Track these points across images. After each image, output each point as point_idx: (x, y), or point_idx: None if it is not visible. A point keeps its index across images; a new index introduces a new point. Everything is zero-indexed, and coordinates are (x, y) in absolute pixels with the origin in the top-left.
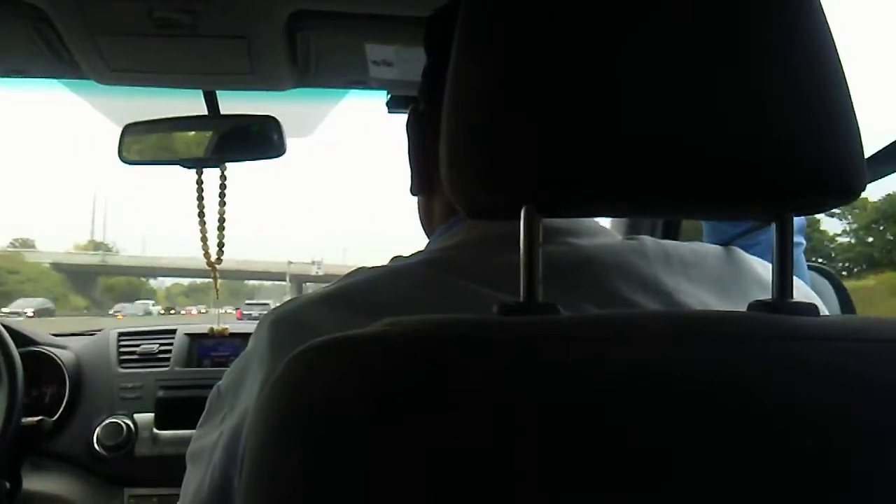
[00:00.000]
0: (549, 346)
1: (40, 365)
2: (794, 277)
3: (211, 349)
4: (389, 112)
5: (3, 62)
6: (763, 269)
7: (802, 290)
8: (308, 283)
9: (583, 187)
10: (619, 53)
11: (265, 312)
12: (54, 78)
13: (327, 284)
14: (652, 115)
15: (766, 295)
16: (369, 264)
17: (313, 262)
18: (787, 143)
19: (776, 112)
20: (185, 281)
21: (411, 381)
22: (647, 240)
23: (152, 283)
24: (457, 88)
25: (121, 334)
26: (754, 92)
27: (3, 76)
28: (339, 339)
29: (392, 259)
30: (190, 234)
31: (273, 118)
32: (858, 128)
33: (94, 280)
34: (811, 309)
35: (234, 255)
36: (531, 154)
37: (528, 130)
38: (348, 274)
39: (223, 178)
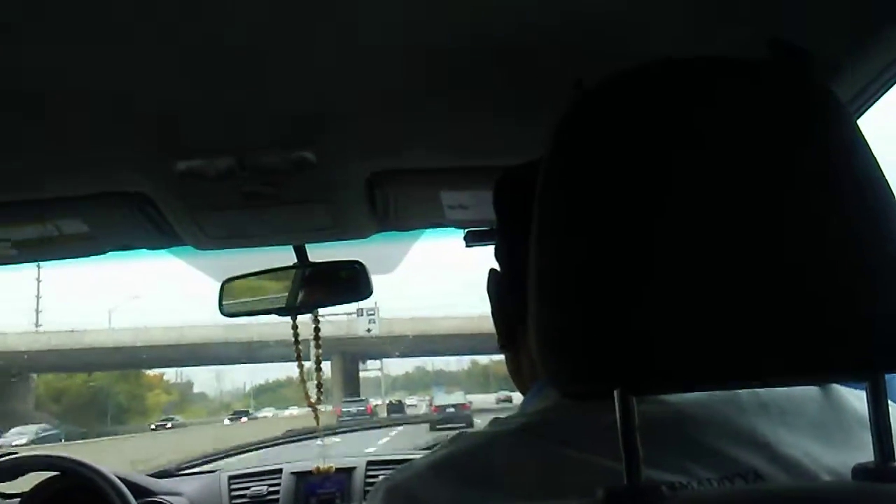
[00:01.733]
0: None
1: None
2: (893, 408)
3: (317, 486)
4: (467, 246)
5: (113, 240)
6: (862, 404)
7: None
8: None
9: (673, 370)
10: (705, 234)
11: (362, 409)
12: (158, 248)
13: (434, 449)
14: (737, 298)
15: (869, 432)
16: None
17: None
18: (870, 306)
19: (858, 278)
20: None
21: None
22: (741, 390)
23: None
24: (539, 271)
25: (231, 477)
26: (839, 260)
27: (109, 252)
28: None
29: (491, 422)
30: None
31: (359, 263)
32: None
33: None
34: None
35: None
36: (620, 341)
37: (616, 317)
38: (452, 439)
39: (316, 321)
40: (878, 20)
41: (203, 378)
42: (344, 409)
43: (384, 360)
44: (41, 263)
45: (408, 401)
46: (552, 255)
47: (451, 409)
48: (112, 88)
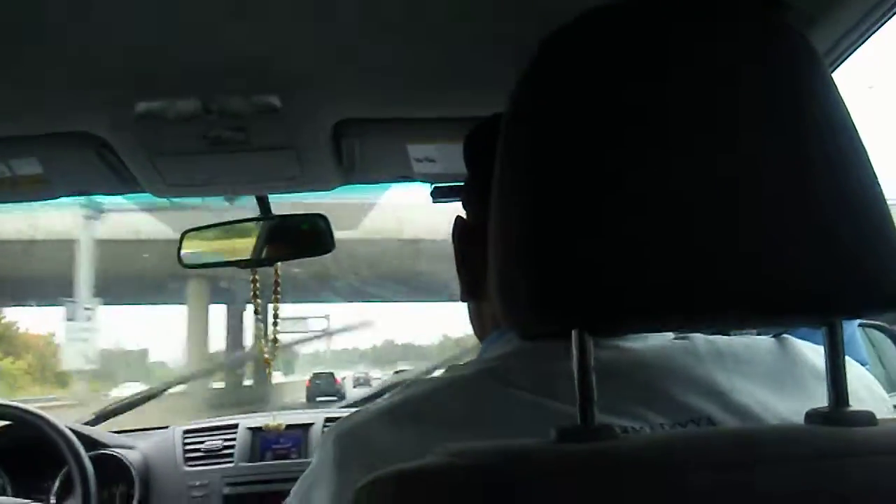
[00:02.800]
0: (607, 480)
1: (109, 467)
2: (851, 365)
3: (273, 441)
4: (434, 202)
5: (69, 185)
6: (817, 356)
7: (859, 380)
8: None
9: (632, 308)
10: (664, 172)
11: (331, 382)
12: (115, 194)
13: (388, 395)
14: (701, 232)
15: (824, 384)
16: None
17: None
18: (832, 251)
19: (813, 227)
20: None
21: None
22: (698, 338)
23: None
24: (501, 215)
25: (185, 431)
26: (797, 202)
27: (64, 195)
28: (406, 473)
29: (448, 369)
30: None
31: (321, 216)
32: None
33: None
34: (868, 418)
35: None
36: (578, 280)
37: (573, 256)
38: (407, 385)
39: (276, 276)
40: None
41: None
42: (313, 382)
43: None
44: None
45: (374, 374)
46: (512, 197)
47: None
48: (70, 24)
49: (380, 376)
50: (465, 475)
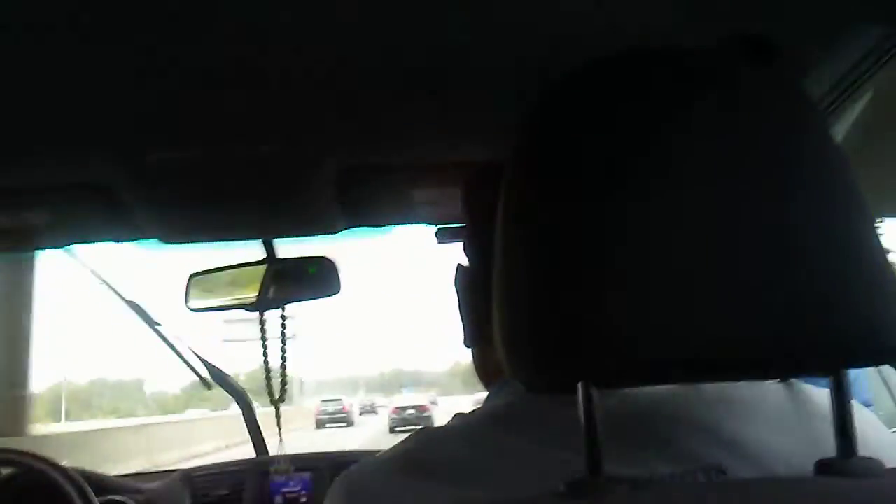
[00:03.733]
0: None
1: None
2: (856, 408)
3: (282, 485)
4: (439, 243)
5: (75, 233)
6: (824, 399)
7: (866, 423)
8: None
9: (638, 362)
10: (668, 224)
11: (339, 408)
12: (120, 241)
13: (397, 444)
14: (705, 285)
15: (830, 426)
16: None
17: None
18: (835, 303)
19: (819, 278)
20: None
21: None
22: (704, 384)
23: None
24: (504, 266)
25: (193, 477)
26: (800, 254)
27: (74, 243)
28: None
29: (454, 417)
30: None
31: (328, 259)
32: None
33: None
34: (875, 468)
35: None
36: (583, 335)
37: (578, 311)
38: (413, 434)
39: (283, 318)
40: (850, 17)
41: None
42: (321, 409)
43: None
44: None
45: (380, 401)
46: (515, 247)
47: (412, 411)
48: (79, 84)
49: (385, 403)
50: None
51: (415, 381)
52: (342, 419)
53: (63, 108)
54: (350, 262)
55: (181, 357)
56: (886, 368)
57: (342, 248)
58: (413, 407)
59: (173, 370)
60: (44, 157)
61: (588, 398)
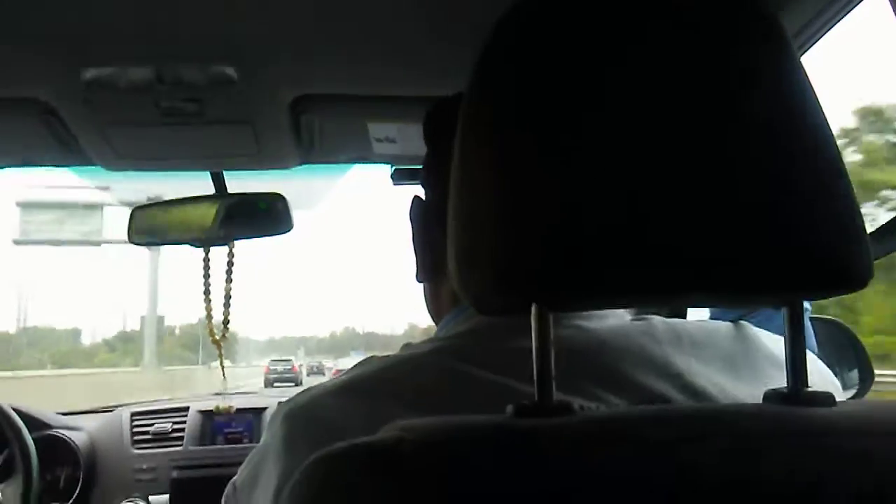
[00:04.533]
0: (562, 454)
1: (55, 449)
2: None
3: (225, 425)
4: (394, 184)
5: (14, 154)
6: (773, 343)
7: (814, 367)
8: None
9: (592, 283)
10: (624, 149)
11: (288, 368)
12: (62, 166)
13: (341, 373)
14: (660, 210)
15: (779, 371)
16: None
17: None
18: (793, 233)
19: (782, 204)
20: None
21: (426, 494)
22: (657, 320)
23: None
24: (461, 188)
25: (134, 414)
26: (760, 181)
27: (13, 166)
28: (355, 448)
29: (403, 347)
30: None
31: (279, 195)
32: (861, 214)
33: None
34: (827, 398)
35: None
36: (537, 254)
37: (533, 230)
38: (360, 362)
39: (231, 255)
40: None
41: None
42: (271, 368)
43: None
44: None
45: (329, 363)
46: (473, 172)
47: None
48: None
49: (332, 365)
50: (415, 450)
51: (367, 343)
52: (290, 379)
53: None
54: (304, 216)
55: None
56: (828, 328)
57: (297, 190)
58: None
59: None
60: None
61: (541, 321)
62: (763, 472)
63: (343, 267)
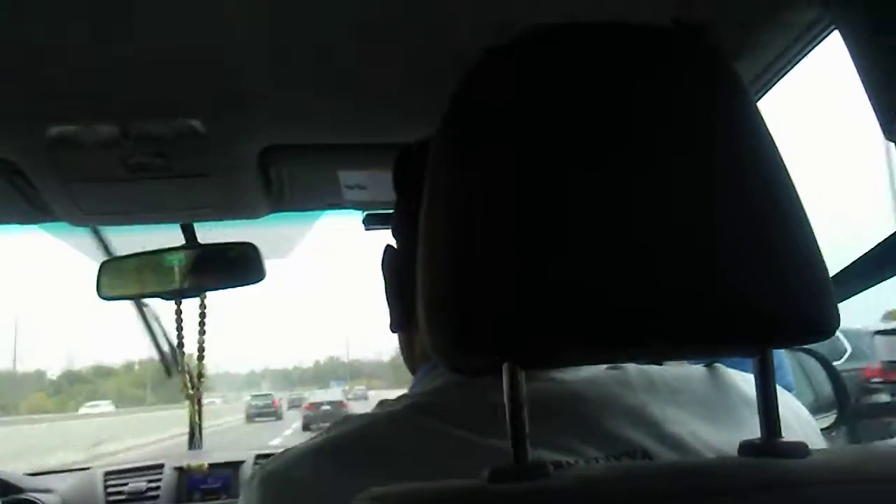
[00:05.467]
0: None
1: None
2: (780, 392)
3: (201, 482)
4: (367, 229)
5: None
6: (748, 386)
7: (788, 408)
8: None
9: (564, 342)
10: (592, 201)
11: (269, 403)
12: (28, 224)
13: (317, 434)
14: (628, 267)
15: (754, 415)
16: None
17: None
18: (761, 281)
19: (750, 252)
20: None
21: None
22: (631, 368)
23: None
24: (427, 244)
25: (107, 473)
26: (726, 232)
27: None
28: None
29: (379, 404)
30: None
31: (250, 244)
32: (824, 262)
33: None
34: (800, 449)
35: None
36: (507, 313)
37: (499, 288)
38: (338, 422)
39: (203, 307)
40: (778, 5)
41: None
42: (252, 403)
43: None
44: None
45: (311, 397)
46: (440, 222)
47: (328, 407)
48: None
49: (319, 399)
50: None
51: (353, 372)
52: (271, 413)
53: None
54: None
55: (154, 340)
56: (805, 357)
57: (269, 238)
58: (330, 403)
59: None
60: None
61: (513, 380)
62: None
63: (326, 295)
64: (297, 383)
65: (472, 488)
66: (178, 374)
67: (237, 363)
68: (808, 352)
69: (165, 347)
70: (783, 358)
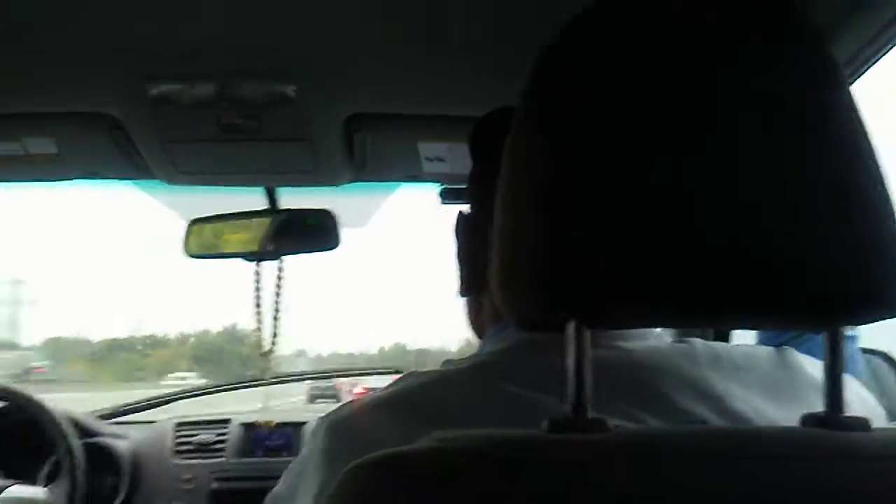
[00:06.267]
0: (595, 469)
1: (100, 456)
2: (848, 379)
3: (265, 438)
4: (443, 203)
5: (80, 166)
6: (816, 370)
7: (856, 393)
8: None
9: (629, 302)
10: (670, 169)
11: (331, 386)
12: (126, 179)
13: (383, 388)
14: (703, 230)
15: (818, 395)
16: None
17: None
18: (836, 256)
19: (826, 227)
20: None
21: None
22: (697, 342)
23: None
24: (505, 204)
25: (178, 424)
26: (804, 207)
27: (78, 178)
28: (392, 457)
29: (444, 363)
30: None
31: (328, 212)
32: None
33: None
34: (863, 423)
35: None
36: (577, 269)
37: (573, 248)
38: (401, 377)
39: (280, 269)
40: None
41: None
42: (314, 385)
43: None
44: None
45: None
46: (515, 188)
47: None
48: (89, 3)
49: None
50: (451, 458)
51: (418, 360)
52: (331, 395)
53: (69, 29)
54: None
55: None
56: (877, 361)
57: (347, 207)
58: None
59: None
60: (47, 81)
61: (578, 338)
62: (795, 493)
63: (395, 281)
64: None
65: (531, 436)
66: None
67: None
68: (878, 353)
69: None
70: (856, 351)
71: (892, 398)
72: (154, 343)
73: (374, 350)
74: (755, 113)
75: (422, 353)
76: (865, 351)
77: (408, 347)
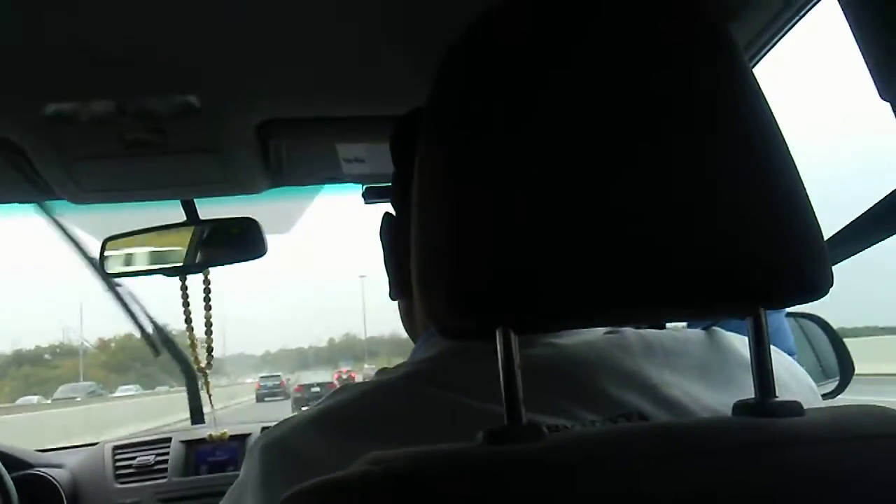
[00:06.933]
0: (532, 479)
1: (36, 488)
2: (778, 355)
3: (208, 454)
4: (366, 203)
5: None
6: (745, 348)
7: (786, 369)
8: None
9: (556, 305)
10: (582, 168)
11: (277, 383)
12: (29, 202)
13: (317, 402)
14: (621, 227)
15: (750, 375)
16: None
17: None
18: (753, 244)
19: (741, 216)
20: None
21: None
22: (629, 332)
23: None
24: (419, 208)
25: (115, 448)
26: (722, 194)
27: None
28: (324, 485)
29: (378, 373)
30: None
31: (251, 220)
32: (818, 223)
33: None
34: (795, 408)
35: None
36: (499, 277)
37: (490, 252)
38: (336, 391)
39: (207, 282)
40: None
41: None
42: (261, 384)
43: None
44: None
45: (318, 376)
46: (430, 190)
47: (316, 389)
48: None
49: (323, 378)
50: (381, 483)
51: (371, 350)
52: (279, 393)
53: None
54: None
55: (135, 320)
56: (807, 322)
57: (270, 213)
58: (319, 385)
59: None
60: None
61: (506, 344)
62: (727, 486)
63: (342, 271)
64: (311, 363)
65: (467, 450)
66: (164, 352)
67: (252, 345)
68: (811, 317)
69: (149, 327)
70: (783, 322)
71: (826, 359)
72: (64, 353)
73: (323, 343)
74: (662, 104)
75: (373, 341)
76: (798, 315)
77: (358, 336)
